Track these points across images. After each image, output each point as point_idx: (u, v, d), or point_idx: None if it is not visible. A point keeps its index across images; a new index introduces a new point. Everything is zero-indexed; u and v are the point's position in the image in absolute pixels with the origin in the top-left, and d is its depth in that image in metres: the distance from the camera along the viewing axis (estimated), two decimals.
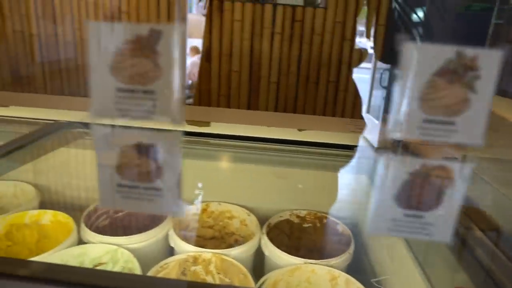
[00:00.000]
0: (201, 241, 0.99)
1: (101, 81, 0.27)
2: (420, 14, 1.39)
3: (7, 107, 0.96)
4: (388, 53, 1.38)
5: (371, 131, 1.21)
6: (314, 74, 1.72)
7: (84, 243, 0.84)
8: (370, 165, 1.02)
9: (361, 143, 1.07)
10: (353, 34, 1.59)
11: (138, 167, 0.29)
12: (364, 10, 1.55)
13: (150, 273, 0.72)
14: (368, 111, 1.79)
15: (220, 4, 1.62)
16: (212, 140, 0.95)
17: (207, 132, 0.94)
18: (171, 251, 0.89)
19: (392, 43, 1.38)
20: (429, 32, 1.33)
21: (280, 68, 1.70)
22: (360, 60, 1.72)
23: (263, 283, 0.73)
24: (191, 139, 0.97)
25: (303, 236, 0.96)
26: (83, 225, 0.85)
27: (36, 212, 0.91)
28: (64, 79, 1.73)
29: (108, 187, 0.30)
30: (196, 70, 1.68)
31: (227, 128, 0.94)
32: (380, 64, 1.92)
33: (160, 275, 0.74)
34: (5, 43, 1.70)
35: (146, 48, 0.26)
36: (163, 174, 0.29)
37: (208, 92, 1.76)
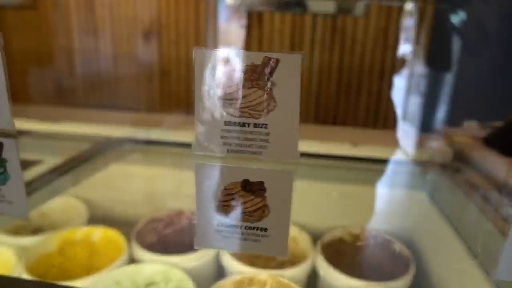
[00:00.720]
0: (250, 259, 0.96)
1: (207, 112, 0.25)
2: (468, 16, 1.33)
3: (59, 123, 0.97)
4: (436, 58, 1.33)
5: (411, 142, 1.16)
6: (355, 83, 1.68)
7: (134, 260, 0.83)
8: (422, 181, 0.97)
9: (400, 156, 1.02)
10: (396, 41, 1.54)
11: (242, 206, 0.27)
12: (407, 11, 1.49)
13: None
14: (404, 119, 1.73)
15: (259, 16, 1.61)
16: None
17: None
18: (220, 271, 0.87)
19: (440, 48, 1.33)
20: (479, 36, 1.27)
21: (320, 77, 1.67)
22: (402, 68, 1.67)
23: None
24: None
25: (357, 256, 0.92)
26: (134, 242, 0.84)
27: (86, 228, 0.91)
28: (105, 92, 1.76)
29: (207, 227, 0.27)
30: None
31: None
32: (416, 70, 1.86)
33: None
34: (49, 58, 1.75)
35: (260, 77, 0.24)
36: (269, 213, 0.27)
37: None
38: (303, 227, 0.92)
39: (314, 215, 0.95)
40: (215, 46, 1.74)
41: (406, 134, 1.10)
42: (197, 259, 0.81)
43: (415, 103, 1.27)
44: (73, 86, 1.77)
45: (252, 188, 0.26)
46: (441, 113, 1.13)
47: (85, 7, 1.67)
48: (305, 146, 0.97)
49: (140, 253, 0.82)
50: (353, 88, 1.69)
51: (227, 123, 0.25)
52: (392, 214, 0.95)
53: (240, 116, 0.25)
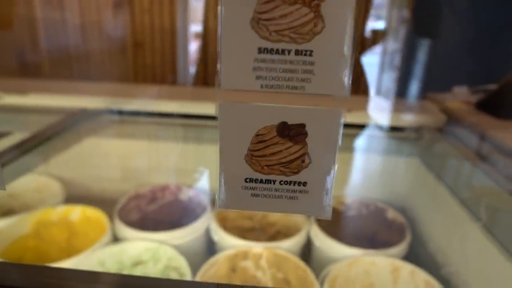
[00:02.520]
0: (240, 233, 0.92)
1: (235, 37, 0.20)
2: None
3: (26, 95, 0.88)
4: (422, 25, 1.30)
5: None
6: None
7: (118, 239, 0.77)
8: (416, 147, 0.95)
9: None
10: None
11: (277, 155, 0.22)
12: None
13: (201, 272, 0.66)
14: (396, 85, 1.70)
15: None
16: None
17: None
18: (211, 247, 0.82)
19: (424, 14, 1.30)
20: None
21: None
22: (375, 42, 1.65)
23: (324, 279, 0.66)
24: None
25: (351, 225, 0.90)
26: (118, 221, 0.78)
27: (62, 208, 0.84)
28: (74, 66, 1.64)
29: (233, 183, 0.23)
30: None
31: None
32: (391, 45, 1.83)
33: (210, 273, 0.68)
34: (8, 29, 1.60)
35: None
36: (310, 164, 0.22)
37: None
38: None
39: None
40: (190, 14, 1.65)
41: (398, 100, 1.08)
42: (186, 235, 0.77)
43: (405, 70, 1.25)
44: (37, 59, 1.64)
45: (290, 133, 0.21)
46: (429, 80, 1.11)
47: None
48: None
49: (125, 231, 0.76)
50: None
51: (261, 50, 0.20)
52: (385, 181, 0.93)
53: (279, 41, 0.20)
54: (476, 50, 1.13)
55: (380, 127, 0.91)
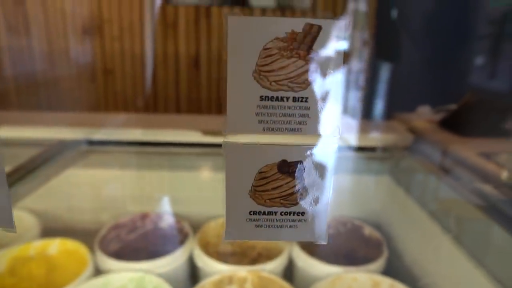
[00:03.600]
0: (222, 258, 0.93)
1: (240, 86, 0.22)
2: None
3: None
4: (382, 50, 1.38)
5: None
6: None
7: (100, 271, 0.76)
8: (386, 165, 1.00)
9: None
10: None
11: (278, 190, 0.24)
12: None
13: None
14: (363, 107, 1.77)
15: (207, 10, 1.57)
16: None
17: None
18: (195, 273, 0.83)
19: (385, 39, 1.38)
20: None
21: None
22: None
23: None
24: (208, 151, 0.92)
25: (330, 244, 0.93)
26: (99, 252, 0.77)
27: (39, 242, 0.82)
28: (42, 94, 1.61)
29: (238, 216, 0.25)
30: None
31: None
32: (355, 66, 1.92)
33: None
34: None
35: (300, 46, 0.22)
36: (307, 196, 0.25)
37: (198, 99, 1.70)
38: None
39: None
40: (162, 42, 1.67)
41: (366, 120, 1.13)
42: (170, 263, 0.77)
43: (370, 91, 1.32)
44: (3, 87, 1.60)
45: (289, 169, 0.24)
46: (394, 100, 1.18)
47: (13, 1, 1.52)
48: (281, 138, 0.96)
49: (107, 262, 0.75)
50: None
51: (262, 98, 0.23)
52: (359, 199, 0.97)
53: (278, 90, 0.23)
54: (436, 71, 1.21)
55: (350, 148, 0.95)
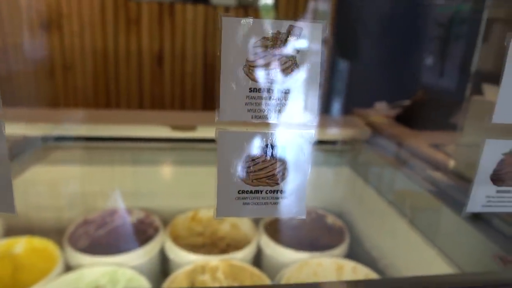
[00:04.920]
0: (192, 250, 0.95)
1: (231, 79, 0.25)
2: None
3: None
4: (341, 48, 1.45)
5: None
6: None
7: (70, 268, 0.76)
8: (346, 157, 1.06)
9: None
10: None
11: (264, 171, 0.28)
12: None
13: None
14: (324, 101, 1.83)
15: (171, 6, 1.57)
16: (198, 145, 0.92)
17: (194, 137, 0.91)
18: (166, 265, 0.85)
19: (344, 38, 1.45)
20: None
21: None
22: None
23: (278, 282, 0.72)
24: (176, 145, 0.94)
25: (295, 232, 0.98)
26: (69, 248, 0.77)
27: (4, 241, 0.80)
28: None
29: (228, 195, 0.28)
30: None
31: (213, 131, 0.92)
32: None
33: None
34: None
35: (284, 45, 0.25)
36: (288, 176, 0.28)
37: (161, 95, 1.69)
38: None
39: None
40: (125, 38, 1.65)
41: (326, 116, 1.19)
42: (142, 256, 0.78)
43: (330, 87, 1.38)
44: None
45: (274, 152, 0.27)
46: (353, 96, 1.25)
47: None
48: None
49: (78, 258, 0.75)
50: None
51: (251, 90, 0.26)
52: (321, 190, 1.02)
53: (265, 82, 0.26)
54: (391, 69, 1.29)
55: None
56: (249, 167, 0.27)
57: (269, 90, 0.26)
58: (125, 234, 0.91)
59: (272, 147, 0.27)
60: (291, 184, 0.28)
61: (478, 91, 0.65)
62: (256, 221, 0.92)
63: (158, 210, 0.95)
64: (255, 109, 0.26)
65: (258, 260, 0.87)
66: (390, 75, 1.26)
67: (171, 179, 1.02)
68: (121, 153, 1.00)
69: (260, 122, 0.26)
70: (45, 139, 0.95)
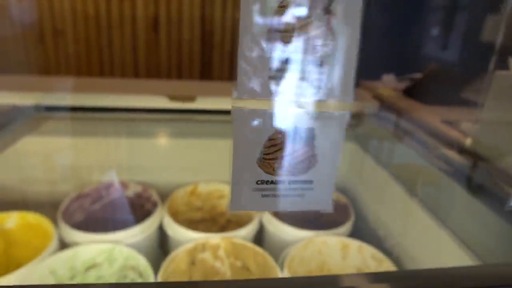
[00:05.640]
0: (191, 225, 0.92)
1: (253, 49, 0.20)
2: None
3: None
4: None
5: None
6: None
7: (65, 245, 0.73)
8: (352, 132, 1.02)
9: None
10: None
11: (287, 158, 0.24)
12: None
13: (163, 268, 0.65)
14: None
15: None
16: (197, 117, 0.88)
17: (193, 108, 0.86)
18: (164, 242, 0.82)
19: None
20: None
21: (234, 36, 1.62)
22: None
23: (283, 261, 0.70)
24: (174, 117, 0.89)
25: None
26: (63, 224, 0.73)
27: None
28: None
29: (245, 186, 0.24)
30: None
31: (213, 103, 0.87)
32: None
33: (170, 268, 0.68)
34: None
35: (318, 7, 0.20)
36: (316, 163, 0.24)
37: (157, 64, 1.62)
38: None
39: None
40: (118, 3, 1.56)
41: None
42: (139, 233, 0.75)
43: None
44: None
45: (300, 136, 0.23)
46: (360, 68, 1.19)
47: None
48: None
49: (74, 235, 0.72)
50: None
51: (277, 61, 0.21)
52: None
53: (292, 53, 0.21)
54: (400, 40, 1.23)
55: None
56: (270, 153, 0.23)
57: (297, 62, 0.21)
58: (121, 208, 0.88)
59: (299, 130, 0.23)
60: (319, 173, 0.24)
61: (502, 65, 0.60)
62: None
63: (155, 184, 0.91)
64: (280, 84, 0.22)
65: (259, 237, 0.85)
66: (398, 46, 1.20)
67: (169, 151, 0.98)
68: (117, 124, 0.96)
69: (286, 100, 0.22)
70: (36, 109, 0.89)
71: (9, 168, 0.84)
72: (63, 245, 0.72)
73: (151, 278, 0.64)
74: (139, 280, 0.69)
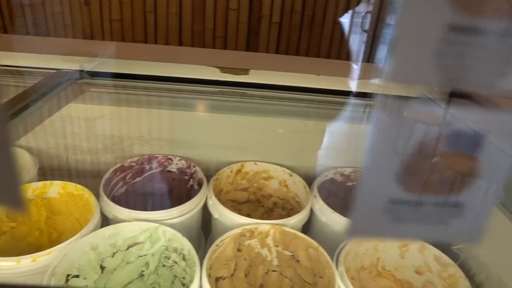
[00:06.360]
0: (236, 206, 0.88)
1: (416, 13, 0.13)
2: None
3: None
4: None
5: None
6: (319, 14, 1.56)
7: (105, 218, 0.70)
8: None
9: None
10: None
11: (439, 173, 0.17)
12: None
13: (209, 253, 0.61)
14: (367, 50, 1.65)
15: None
16: (249, 91, 0.81)
17: (246, 81, 0.79)
18: (207, 221, 0.77)
19: None
20: None
21: (283, 7, 1.52)
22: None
23: (338, 256, 0.64)
24: (222, 89, 0.82)
25: (349, 196, 0.88)
26: (106, 199, 0.70)
27: (39, 184, 0.74)
28: (28, 17, 1.45)
29: (373, 205, 0.17)
30: None
31: (265, 76, 0.80)
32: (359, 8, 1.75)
33: (216, 254, 0.63)
34: None
35: None
36: (476, 185, 0.17)
37: (202, 33, 1.55)
38: (292, 170, 0.85)
39: (287, 153, 0.87)
40: None
41: (368, 65, 1.03)
42: (184, 212, 0.70)
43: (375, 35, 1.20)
44: None
45: (464, 146, 0.16)
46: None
47: None
48: (307, 81, 0.85)
49: (116, 210, 0.68)
50: (317, 20, 1.58)
51: (452, 28, 0.14)
52: (350, 150, 0.90)
53: (477, 17, 0.14)
54: None
55: (358, 94, 0.86)
56: (416, 164, 0.16)
57: (483, 31, 0.14)
58: (164, 184, 0.84)
59: (466, 136, 0.16)
60: (474, 196, 0.17)
61: None
62: (309, 182, 0.82)
63: (200, 160, 0.86)
64: (453, 65, 0.14)
65: (307, 226, 0.78)
66: None
67: (216, 127, 0.92)
68: (162, 94, 0.90)
69: (457, 90, 0.14)
70: (81, 74, 0.85)
71: (52, 135, 0.82)
72: (103, 217, 0.69)
73: (196, 263, 0.59)
74: (182, 263, 0.65)
